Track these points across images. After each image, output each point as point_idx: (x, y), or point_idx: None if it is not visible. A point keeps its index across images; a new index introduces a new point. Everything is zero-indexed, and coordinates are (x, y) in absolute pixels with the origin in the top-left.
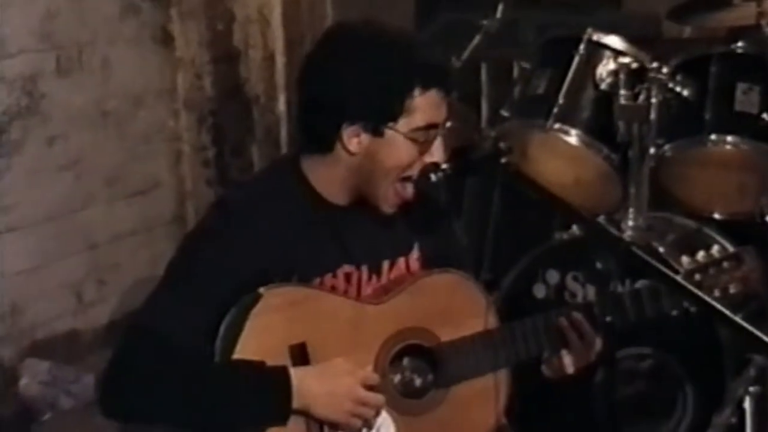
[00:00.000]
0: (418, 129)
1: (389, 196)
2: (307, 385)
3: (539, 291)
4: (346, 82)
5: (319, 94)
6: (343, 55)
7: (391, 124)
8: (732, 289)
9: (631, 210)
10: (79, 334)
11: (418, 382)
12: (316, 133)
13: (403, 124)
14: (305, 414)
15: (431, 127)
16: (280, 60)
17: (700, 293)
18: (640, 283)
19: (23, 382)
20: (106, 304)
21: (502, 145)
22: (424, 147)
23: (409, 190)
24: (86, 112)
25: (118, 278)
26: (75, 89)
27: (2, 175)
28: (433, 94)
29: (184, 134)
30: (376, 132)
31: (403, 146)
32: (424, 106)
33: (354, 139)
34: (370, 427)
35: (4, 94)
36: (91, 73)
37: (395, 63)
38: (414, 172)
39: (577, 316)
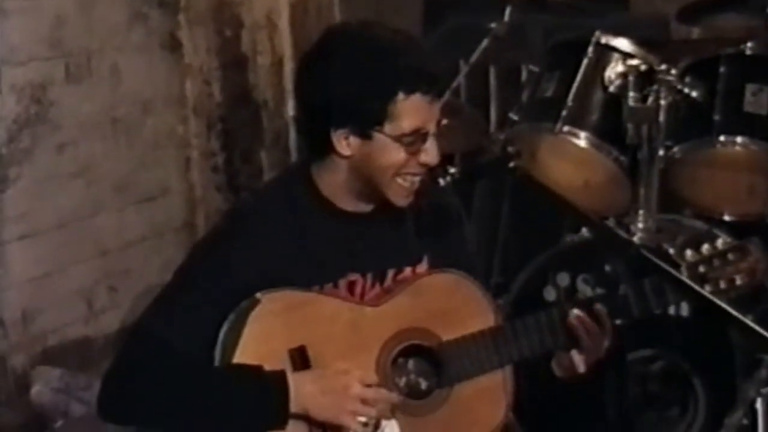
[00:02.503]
0: (404, 135)
1: (396, 192)
2: (305, 387)
3: (549, 294)
4: (330, 86)
5: (308, 98)
6: (330, 60)
7: (377, 127)
8: (739, 281)
9: (640, 212)
10: (90, 341)
11: (423, 384)
12: (311, 138)
13: (390, 128)
14: (306, 417)
15: (418, 131)
16: (288, 65)
17: (710, 295)
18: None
19: (35, 389)
20: (117, 311)
21: (510, 149)
22: (413, 149)
23: (416, 182)
24: (95, 119)
25: (129, 285)
26: (84, 97)
27: (13, 183)
28: (418, 98)
29: (193, 140)
30: (364, 135)
31: (393, 149)
32: (409, 110)
33: (343, 142)
34: (376, 427)
35: (14, 102)
36: (100, 81)
37: (377, 67)
38: (411, 169)
39: (581, 313)
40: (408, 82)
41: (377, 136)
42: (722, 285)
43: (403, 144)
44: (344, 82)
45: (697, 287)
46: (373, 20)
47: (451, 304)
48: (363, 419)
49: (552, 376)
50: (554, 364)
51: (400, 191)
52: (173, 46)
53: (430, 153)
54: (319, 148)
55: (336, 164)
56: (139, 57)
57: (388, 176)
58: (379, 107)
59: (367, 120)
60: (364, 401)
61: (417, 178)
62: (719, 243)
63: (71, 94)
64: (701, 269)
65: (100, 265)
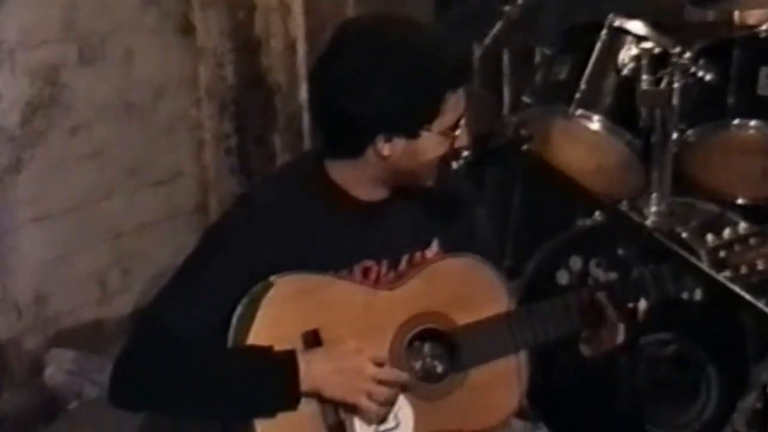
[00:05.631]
0: (449, 128)
1: (431, 177)
2: (315, 366)
3: (562, 278)
4: (379, 96)
5: (349, 108)
6: (372, 67)
7: (426, 126)
8: (760, 266)
9: (653, 195)
10: (103, 323)
11: (439, 368)
12: (346, 143)
13: (437, 124)
14: (318, 397)
15: (458, 121)
16: (301, 49)
17: (722, 279)
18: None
19: (49, 371)
20: (130, 294)
21: (523, 132)
22: (453, 137)
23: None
24: (109, 102)
25: (141, 267)
26: (97, 79)
27: (26, 165)
28: (461, 91)
29: (206, 123)
30: (411, 136)
31: (439, 143)
32: (454, 104)
33: (387, 145)
34: (389, 409)
35: (27, 84)
36: (113, 64)
37: (428, 73)
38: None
39: (601, 296)
40: (454, 80)
41: (424, 134)
42: (743, 270)
43: (448, 137)
44: (395, 92)
45: (706, 269)
46: (383, 14)
47: (466, 288)
48: (379, 399)
49: (572, 360)
50: (582, 344)
51: (434, 175)
52: (186, 29)
53: (462, 137)
54: (354, 151)
55: (367, 163)
56: (152, 40)
57: (430, 169)
58: (431, 110)
59: (418, 123)
60: (378, 381)
61: (454, 161)
62: (740, 228)
63: (84, 76)
64: (722, 254)
65: (113, 248)
